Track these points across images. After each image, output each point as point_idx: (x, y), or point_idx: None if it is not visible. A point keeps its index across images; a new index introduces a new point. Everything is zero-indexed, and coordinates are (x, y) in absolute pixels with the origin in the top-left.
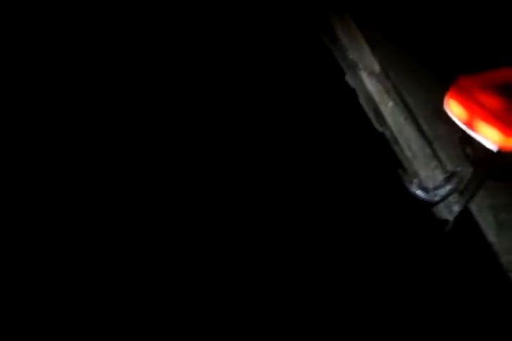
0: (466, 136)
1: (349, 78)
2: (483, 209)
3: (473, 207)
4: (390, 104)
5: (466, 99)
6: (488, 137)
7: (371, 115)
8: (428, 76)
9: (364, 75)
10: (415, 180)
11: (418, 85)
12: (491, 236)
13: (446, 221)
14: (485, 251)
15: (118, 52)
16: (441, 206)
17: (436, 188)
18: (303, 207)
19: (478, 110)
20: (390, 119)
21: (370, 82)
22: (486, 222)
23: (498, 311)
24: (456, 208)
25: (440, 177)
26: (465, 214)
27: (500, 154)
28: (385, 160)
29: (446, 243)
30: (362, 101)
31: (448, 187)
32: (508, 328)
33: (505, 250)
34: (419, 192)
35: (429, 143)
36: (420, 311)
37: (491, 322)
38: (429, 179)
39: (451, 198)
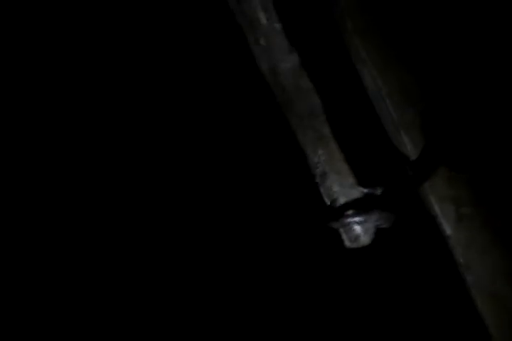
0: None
1: None
2: (444, 201)
3: (432, 198)
4: None
5: None
6: None
7: None
8: None
9: None
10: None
11: None
12: (449, 229)
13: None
14: (440, 244)
15: (118, 53)
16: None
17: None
18: None
19: None
20: None
21: None
22: (445, 215)
23: (451, 307)
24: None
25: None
26: (422, 205)
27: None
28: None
29: (398, 235)
30: None
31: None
32: (460, 324)
33: (463, 245)
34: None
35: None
36: (370, 306)
37: (443, 318)
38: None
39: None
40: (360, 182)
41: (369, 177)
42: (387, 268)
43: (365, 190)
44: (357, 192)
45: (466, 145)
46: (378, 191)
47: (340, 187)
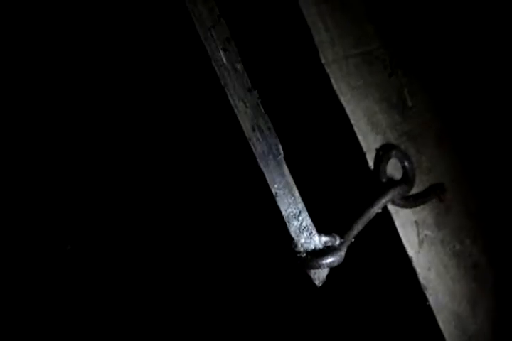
0: None
1: None
2: (406, 225)
3: (397, 222)
4: None
5: None
6: None
7: None
8: None
9: None
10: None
11: None
12: (411, 251)
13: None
14: (404, 266)
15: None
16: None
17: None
18: None
19: None
20: None
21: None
22: (408, 237)
23: (413, 327)
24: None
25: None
26: (389, 227)
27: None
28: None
29: (367, 257)
30: None
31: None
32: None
33: (423, 267)
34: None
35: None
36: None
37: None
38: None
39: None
40: (320, 228)
41: (328, 221)
42: (355, 291)
43: (324, 239)
44: (318, 242)
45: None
46: (337, 241)
47: (302, 235)
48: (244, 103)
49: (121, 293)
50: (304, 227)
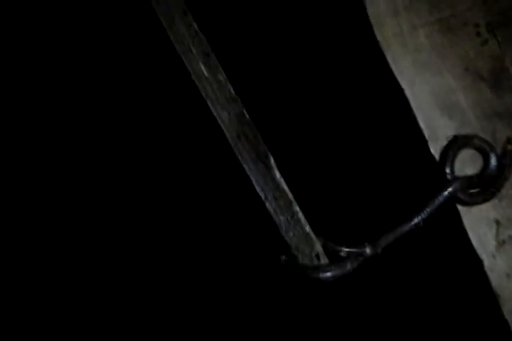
0: None
1: None
2: (480, 224)
3: (467, 220)
4: None
5: None
6: None
7: None
8: None
9: None
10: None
11: None
12: (484, 254)
13: None
14: (474, 271)
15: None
16: None
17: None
18: None
19: None
20: None
21: None
22: (481, 239)
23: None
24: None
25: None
26: (456, 227)
27: None
28: None
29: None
30: None
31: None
32: None
33: (499, 272)
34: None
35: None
36: None
37: None
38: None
39: None
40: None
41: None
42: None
43: (334, 247)
44: (319, 250)
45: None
46: (342, 252)
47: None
48: (228, 113)
49: (121, 293)
50: (302, 235)
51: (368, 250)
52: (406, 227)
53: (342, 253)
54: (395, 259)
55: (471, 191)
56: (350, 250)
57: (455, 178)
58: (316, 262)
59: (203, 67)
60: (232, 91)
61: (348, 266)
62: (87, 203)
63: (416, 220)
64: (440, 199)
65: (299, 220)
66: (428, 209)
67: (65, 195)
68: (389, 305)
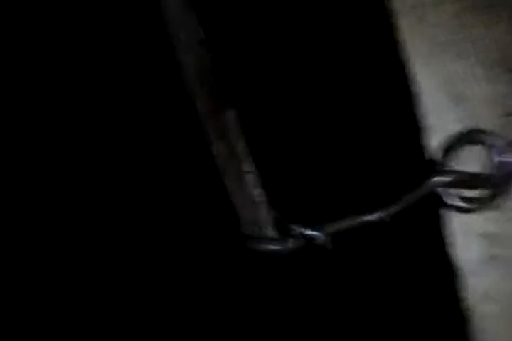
0: None
1: None
2: (471, 239)
3: (458, 236)
4: None
5: None
6: None
7: None
8: None
9: None
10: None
11: None
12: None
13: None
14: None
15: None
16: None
17: None
18: None
19: None
20: None
21: None
22: (464, 253)
23: None
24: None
25: None
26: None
27: None
28: None
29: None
30: None
31: None
32: None
33: (476, 293)
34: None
35: None
36: None
37: None
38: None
39: None
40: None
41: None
42: None
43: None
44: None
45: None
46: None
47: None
48: (193, 56)
49: (121, 293)
50: (247, 197)
51: (311, 232)
52: (366, 218)
53: (291, 232)
54: (359, 258)
55: (461, 196)
56: (298, 229)
57: (445, 171)
58: (256, 230)
59: None
60: (201, 32)
61: (289, 244)
62: (85, 199)
63: (382, 213)
64: (420, 191)
65: (247, 182)
66: (402, 203)
67: (64, 194)
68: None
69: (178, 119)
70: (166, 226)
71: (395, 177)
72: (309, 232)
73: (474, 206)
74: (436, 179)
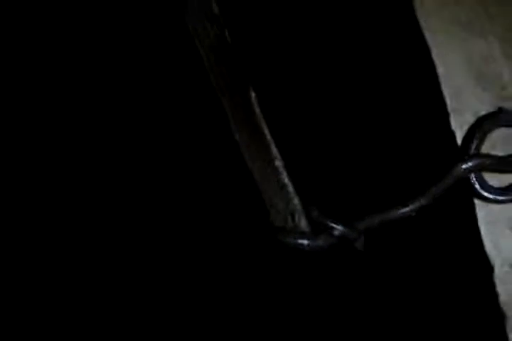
0: None
1: None
2: (499, 225)
3: (481, 218)
4: None
5: None
6: None
7: None
8: None
9: None
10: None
11: None
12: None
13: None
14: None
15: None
16: None
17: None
18: None
19: None
20: None
21: None
22: (499, 244)
23: None
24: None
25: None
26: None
27: None
28: None
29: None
30: None
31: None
32: None
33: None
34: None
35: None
36: None
37: None
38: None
39: None
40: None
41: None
42: None
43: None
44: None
45: None
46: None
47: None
48: (208, 32)
49: (121, 293)
50: (277, 186)
51: (341, 229)
52: (395, 213)
53: (323, 226)
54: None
55: (493, 185)
56: (329, 223)
57: (475, 155)
58: (290, 221)
59: None
60: (215, 7)
61: (320, 242)
62: (85, 198)
63: (413, 205)
64: (448, 180)
65: (275, 169)
66: (432, 193)
67: (64, 192)
68: (385, 308)
69: (194, 105)
70: (188, 216)
71: (422, 166)
72: (341, 228)
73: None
74: (465, 165)
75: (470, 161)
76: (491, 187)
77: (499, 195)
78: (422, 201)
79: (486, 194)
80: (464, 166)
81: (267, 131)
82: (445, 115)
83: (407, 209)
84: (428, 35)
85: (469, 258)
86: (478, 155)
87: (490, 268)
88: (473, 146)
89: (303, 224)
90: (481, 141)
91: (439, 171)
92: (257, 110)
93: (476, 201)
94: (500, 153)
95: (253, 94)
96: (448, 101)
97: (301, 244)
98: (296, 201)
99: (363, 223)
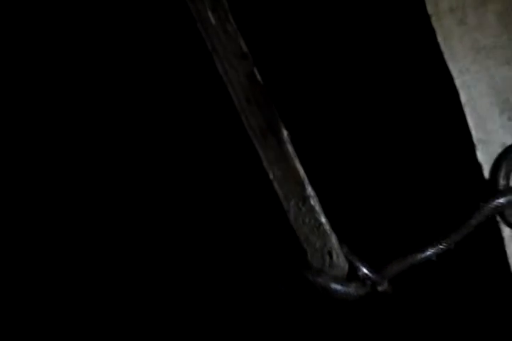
0: None
1: None
2: None
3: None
4: None
5: None
6: None
7: None
8: None
9: None
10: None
11: None
12: None
13: None
14: None
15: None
16: None
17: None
18: None
19: None
20: None
21: None
22: None
23: None
24: None
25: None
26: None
27: None
28: None
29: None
30: None
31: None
32: None
33: None
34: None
35: None
36: None
37: None
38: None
39: None
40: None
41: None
42: None
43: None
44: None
45: None
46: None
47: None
48: (236, 71)
49: (121, 293)
50: (313, 225)
51: (374, 276)
52: (424, 255)
53: (356, 271)
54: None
55: None
56: (362, 269)
57: (507, 190)
58: (327, 260)
59: (210, 14)
60: (243, 45)
61: (351, 290)
62: (86, 198)
63: (444, 243)
64: (478, 217)
65: (311, 207)
66: (462, 231)
67: (65, 192)
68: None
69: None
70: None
71: (449, 202)
72: (372, 276)
73: None
74: (495, 202)
75: (501, 197)
76: None
77: None
78: (452, 240)
79: None
80: (494, 203)
81: (300, 169)
82: (471, 147)
83: (436, 249)
84: (451, 64)
85: (499, 292)
86: (509, 189)
87: None
88: (502, 179)
89: (342, 262)
90: (510, 173)
91: (467, 207)
92: (290, 148)
93: (505, 235)
94: None
95: (285, 133)
96: (473, 131)
97: (334, 289)
98: (333, 239)
99: (393, 268)
